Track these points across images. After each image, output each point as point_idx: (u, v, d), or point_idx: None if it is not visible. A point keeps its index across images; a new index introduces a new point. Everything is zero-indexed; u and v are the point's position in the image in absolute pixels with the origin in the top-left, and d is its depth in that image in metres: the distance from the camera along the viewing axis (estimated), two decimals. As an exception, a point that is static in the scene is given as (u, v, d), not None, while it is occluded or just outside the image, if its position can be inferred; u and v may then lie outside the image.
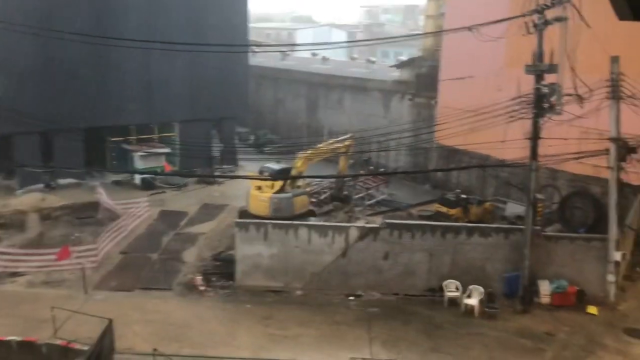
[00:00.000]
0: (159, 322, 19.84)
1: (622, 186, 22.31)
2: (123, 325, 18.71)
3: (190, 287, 22.74)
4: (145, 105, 37.05)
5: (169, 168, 36.72)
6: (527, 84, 20.67)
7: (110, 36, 28.31)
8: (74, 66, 34.05)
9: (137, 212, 29.56)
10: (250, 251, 22.59)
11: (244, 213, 26.70)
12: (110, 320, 16.04)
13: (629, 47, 22.62)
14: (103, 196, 30.49)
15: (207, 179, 35.92)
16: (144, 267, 24.59)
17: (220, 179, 36.09)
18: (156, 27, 36.00)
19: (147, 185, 34.75)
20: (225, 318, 20.48)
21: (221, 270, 23.99)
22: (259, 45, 55.27)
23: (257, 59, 50.96)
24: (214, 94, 39.38)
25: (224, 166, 39.70)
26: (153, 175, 34.90)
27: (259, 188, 26.14)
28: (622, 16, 5.97)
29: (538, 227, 22.66)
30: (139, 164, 35.77)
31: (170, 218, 30.38)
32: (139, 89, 36.71)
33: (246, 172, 35.50)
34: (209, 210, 31.45)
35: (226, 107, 40.31)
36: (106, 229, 26.44)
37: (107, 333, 15.22)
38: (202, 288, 22.61)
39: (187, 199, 33.40)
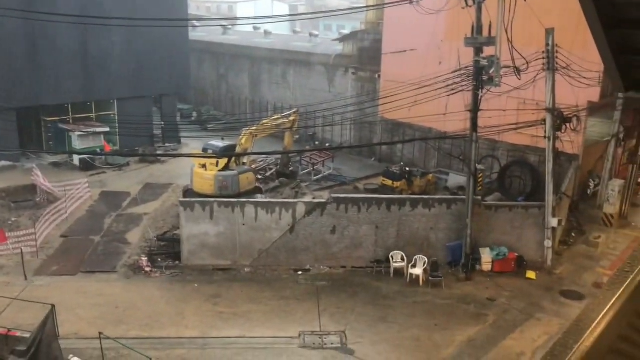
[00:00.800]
0: (104, 306, 19.49)
1: (558, 155, 23.08)
2: (67, 311, 18.29)
3: (136, 269, 22.40)
4: (81, 82, 35.85)
5: (108, 148, 35.75)
6: (467, 56, 21.02)
7: (43, 11, 27.08)
8: (5, 43, 32.56)
9: (77, 194, 28.73)
10: (196, 230, 22.40)
11: (188, 192, 26.41)
12: (53, 306, 15.63)
13: (563, 19, 23.26)
14: (40, 178, 29.46)
15: (149, 158, 35.11)
16: (87, 250, 24.01)
17: (163, 158, 35.35)
18: (92, 2, 34.69)
19: (86, 166, 33.76)
20: (172, 298, 20.30)
21: (167, 250, 23.74)
22: (199, 19, 54.04)
23: (198, 34, 49.95)
24: (153, 70, 38.46)
25: (167, 144, 38.98)
26: (92, 156, 33.90)
27: (204, 166, 25.85)
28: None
29: (479, 197, 23.28)
30: (77, 144, 34.71)
31: (112, 199, 29.68)
32: (75, 66, 35.45)
33: (190, 150, 34.93)
34: (152, 190, 30.87)
35: (167, 84, 39.49)
36: (45, 212, 25.63)
37: (49, 319, 14.82)
38: (147, 269, 22.31)
39: (129, 179, 32.66)
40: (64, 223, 26.33)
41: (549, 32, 21.44)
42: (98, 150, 34.85)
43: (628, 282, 1.34)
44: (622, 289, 1.32)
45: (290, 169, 31.29)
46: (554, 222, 22.31)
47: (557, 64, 21.51)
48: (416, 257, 22.16)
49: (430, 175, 30.23)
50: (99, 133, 35.63)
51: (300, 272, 22.35)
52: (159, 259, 23.11)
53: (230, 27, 53.05)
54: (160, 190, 30.73)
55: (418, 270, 21.70)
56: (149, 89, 38.61)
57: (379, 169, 32.94)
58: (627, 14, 7.08)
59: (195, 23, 49.01)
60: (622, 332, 1.53)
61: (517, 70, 19.88)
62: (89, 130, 35.38)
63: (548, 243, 22.42)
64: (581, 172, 27.51)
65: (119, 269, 22.44)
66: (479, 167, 25.16)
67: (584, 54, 21.54)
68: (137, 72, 37.93)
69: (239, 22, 53.65)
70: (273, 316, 19.18)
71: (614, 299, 1.28)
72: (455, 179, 29.52)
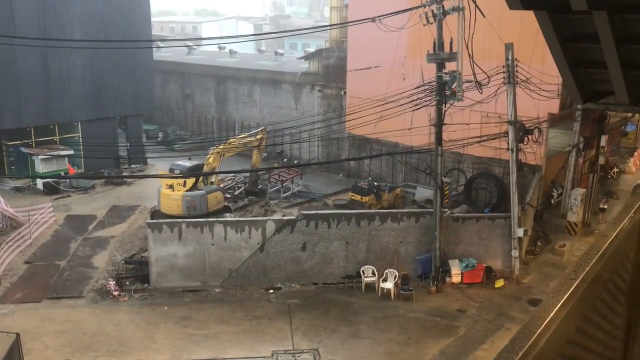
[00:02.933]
0: (71, 332, 18.99)
1: (521, 166, 23.45)
2: (32, 339, 17.76)
3: (103, 293, 21.90)
4: (44, 105, 35.19)
5: (73, 171, 35.07)
6: (430, 72, 21.31)
7: (1, 34, 26.59)
8: (-38, 66, 31.80)
9: (41, 218, 28.05)
10: (165, 252, 22.09)
11: (156, 213, 26.13)
12: (17, 335, 15.15)
13: (522, 34, 23.74)
14: (1, 204, 28.68)
15: (115, 180, 34.56)
16: (52, 276, 23.39)
17: (129, 179, 34.85)
18: (52, 24, 34.25)
19: (50, 190, 33.03)
20: (142, 322, 19.89)
21: (135, 273, 23.30)
22: (163, 39, 53.76)
23: (162, 54, 49.72)
24: (117, 91, 38.03)
25: (133, 166, 38.43)
26: (56, 179, 33.20)
27: (171, 187, 25.61)
28: (512, 5, 6.21)
29: (446, 210, 23.49)
30: (41, 167, 33.94)
31: (77, 223, 29.06)
32: (37, 89, 34.81)
33: (156, 171, 34.57)
34: (118, 212, 30.34)
35: (132, 105, 39.07)
36: (7, 238, 24.95)
37: (14, 348, 14.36)
38: (115, 293, 21.83)
39: (94, 202, 32.05)
40: (27, 249, 25.65)
41: (508, 46, 21.91)
42: (62, 173, 34.15)
43: (573, 287, 1.36)
44: (567, 295, 1.34)
45: (259, 186, 31.18)
46: (519, 232, 22.60)
47: (517, 77, 21.97)
48: (387, 271, 22.18)
49: (398, 189, 30.45)
50: (63, 156, 34.95)
51: (271, 291, 22.16)
52: (127, 282, 22.66)
53: (195, 47, 53.01)
54: (127, 213, 30.23)
55: (389, 284, 21.72)
56: (114, 110, 38.14)
57: (348, 184, 33.03)
58: (582, 29, 7.30)
59: (160, 44, 48.78)
60: (571, 337, 1.55)
61: (479, 85, 20.35)
62: (52, 153, 34.68)
63: (515, 253, 22.69)
64: (544, 182, 27.92)
65: (86, 293, 21.90)
66: (445, 180, 25.43)
67: (543, 68, 22.19)
68: (101, 93, 37.46)
69: (203, 42, 53.60)
70: (245, 336, 18.95)
71: (559, 305, 1.30)
72: (423, 193, 29.70)
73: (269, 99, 41.43)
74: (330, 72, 37.61)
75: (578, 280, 1.54)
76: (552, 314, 1.37)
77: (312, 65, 39.23)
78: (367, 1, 31.23)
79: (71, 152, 35.28)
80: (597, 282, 1.76)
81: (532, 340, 1.28)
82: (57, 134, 36.67)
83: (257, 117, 41.62)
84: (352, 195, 29.41)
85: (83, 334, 18.86)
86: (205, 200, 25.50)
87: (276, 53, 47.06)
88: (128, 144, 38.33)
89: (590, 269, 1.65)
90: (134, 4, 38.46)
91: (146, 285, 22.28)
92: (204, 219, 22.90)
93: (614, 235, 1.92)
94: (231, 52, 49.36)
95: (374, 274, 22.30)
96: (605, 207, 27.67)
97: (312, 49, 46.91)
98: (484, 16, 19.16)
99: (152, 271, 22.25)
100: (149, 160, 38.80)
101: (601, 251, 1.75)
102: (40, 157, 34.17)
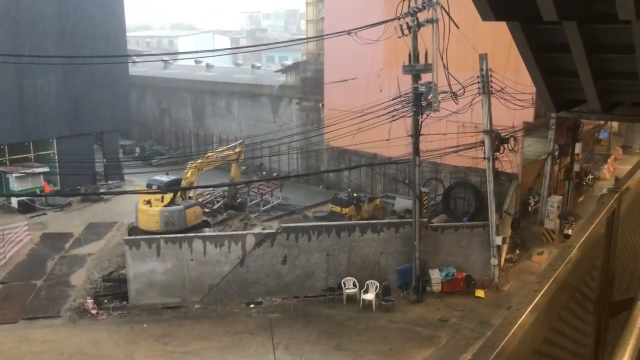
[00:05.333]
0: (48, 353, 18.65)
1: (498, 175, 23.70)
2: (8, 361, 17.39)
3: (81, 312, 21.55)
4: (18, 122, 34.71)
5: (48, 188, 34.56)
6: (406, 83, 21.53)
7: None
8: None
9: (16, 237, 27.56)
10: (143, 268, 21.89)
11: (133, 230, 25.91)
12: (-8, 357, 14.84)
13: (494, 44, 24.03)
14: (-25, 223, 28.16)
15: (92, 197, 34.13)
16: (28, 296, 22.95)
17: (106, 196, 34.47)
18: (26, 38, 33.90)
19: (25, 208, 32.46)
20: (121, 340, 19.61)
21: (113, 291, 22.99)
22: (139, 54, 53.49)
23: (139, 69, 49.50)
24: (93, 106, 37.69)
25: (109, 182, 38.03)
26: (32, 197, 32.69)
27: (148, 202, 25.46)
28: (485, 17, 6.29)
29: (425, 219, 23.61)
30: (15, 185, 33.42)
31: (54, 241, 28.60)
32: (11, 106, 34.33)
33: (133, 187, 34.21)
34: (96, 230, 29.95)
35: (108, 120, 38.72)
36: (-19, 258, 24.49)
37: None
38: (94, 312, 21.50)
39: (71, 220, 31.60)
40: (2, 269, 25.17)
41: (482, 57, 22.19)
42: (37, 191, 33.64)
43: (538, 297, 1.38)
44: (532, 306, 1.36)
45: (238, 200, 31.12)
46: (498, 240, 22.77)
47: (491, 87, 22.22)
48: (368, 282, 22.18)
49: (378, 200, 30.57)
50: (38, 173, 34.46)
51: (252, 305, 22.01)
52: (106, 301, 22.35)
53: (171, 61, 52.90)
54: (104, 230, 29.86)
55: (370, 296, 21.71)
56: (90, 126, 37.76)
57: (327, 196, 33.10)
58: (553, 39, 7.42)
59: (136, 58, 48.53)
60: (538, 348, 1.58)
61: (454, 95, 20.53)
62: (27, 171, 34.17)
63: (494, 261, 22.83)
64: (521, 190, 28.14)
65: (63, 313, 21.53)
66: (424, 190, 25.58)
67: (517, 77, 22.36)
68: (76, 109, 37.07)
69: (180, 56, 53.47)
70: (226, 353, 18.77)
71: (523, 316, 1.31)
72: (402, 203, 29.83)
73: (247, 112, 41.39)
74: (308, 84, 37.70)
75: (543, 291, 1.56)
76: (516, 326, 1.38)
77: (290, 78, 39.31)
78: (342, 14, 31.51)
79: (46, 169, 34.79)
80: (563, 291, 1.78)
81: (496, 353, 1.29)
82: (32, 151, 36.19)
83: (235, 131, 41.57)
84: (332, 207, 29.48)
85: (61, 354, 18.53)
86: (183, 216, 25.36)
87: (253, 66, 47.04)
88: (105, 160, 37.91)
89: (556, 279, 1.68)
90: (109, 19, 38.26)
91: (125, 302, 22.00)
92: (183, 235, 22.79)
93: (578, 244, 1.95)
94: (208, 66, 49.29)
95: (355, 285, 22.27)
96: (570, 232, 27.80)
97: (289, 62, 46.99)
98: (458, 27, 19.40)
99: (130, 288, 21.99)
100: (126, 176, 38.36)
101: (566, 260, 1.77)
102: (14, 175, 33.65)
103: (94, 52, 33.37)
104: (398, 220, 26.04)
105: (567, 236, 27.07)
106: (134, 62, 47.87)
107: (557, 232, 26.62)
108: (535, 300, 1.46)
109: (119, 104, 39.63)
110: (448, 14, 19.38)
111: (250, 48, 58.35)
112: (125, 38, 40.95)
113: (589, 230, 2.04)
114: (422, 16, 20.37)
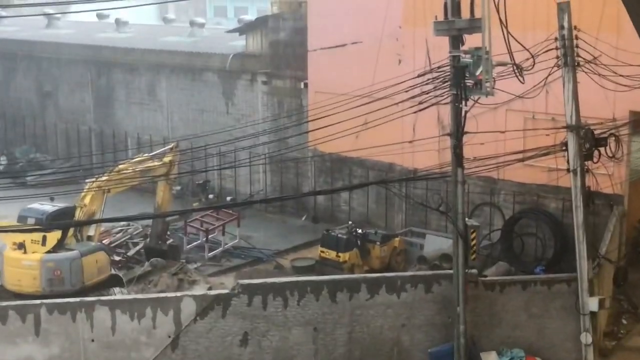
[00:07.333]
0: None
1: (591, 197, 23.22)
2: None
3: None
4: None
5: None
6: (440, 51, 21.03)
7: None
8: None
9: None
10: (14, 355, 21.59)
11: (-3, 291, 26.00)
12: None
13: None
14: None
15: None
16: None
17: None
18: None
19: None
20: None
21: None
22: (6, 5, 53.36)
23: (6, 28, 50.42)
24: None
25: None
26: None
27: (21, 246, 25.32)
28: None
29: (473, 270, 23.32)
30: None
31: None
32: None
33: (-4, 221, 33.78)
34: None
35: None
36: None
37: None
38: None
39: None
40: None
41: (563, 8, 21.55)
42: None
43: None
44: None
45: (169, 241, 31.27)
46: (592, 303, 22.17)
47: (578, 56, 21.64)
48: (382, 375, 22.00)
49: (397, 239, 30.53)
50: None
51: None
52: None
53: (58, 15, 53.03)
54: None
55: (386, 400, 21.16)
56: None
57: (315, 233, 33.28)
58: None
59: (1, 12, 48.36)
60: None
61: (519, 69, 20.10)
62: None
63: (586, 338, 22.16)
64: (628, 221, 28.12)
65: None
66: (471, 222, 25.07)
67: (619, 40, 23.31)
68: None
69: (72, 6, 53.24)
70: None
71: None
72: (436, 243, 29.73)
73: (183, 97, 41.81)
74: (281, 52, 37.90)
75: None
76: None
77: (253, 42, 39.52)
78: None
79: None
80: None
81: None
82: None
83: (164, 128, 42.15)
84: (323, 251, 29.43)
85: None
86: (78, 267, 25.27)
87: (193, 23, 47.57)
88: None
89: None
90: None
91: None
92: (78, 299, 22.52)
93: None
94: (119, 22, 49.90)
95: (361, 382, 22.12)
96: None
97: (250, 17, 46.88)
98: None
99: (-9, 387, 21.80)
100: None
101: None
102: None
103: None
104: (430, 271, 25.92)
105: None
106: None
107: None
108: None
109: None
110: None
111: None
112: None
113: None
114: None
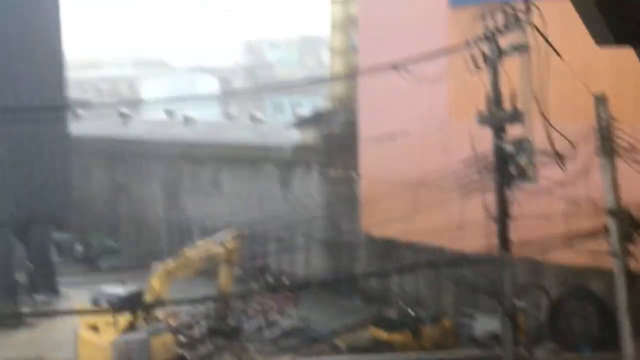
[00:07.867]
0: None
1: (634, 279, 22.99)
2: None
3: None
4: None
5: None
6: (485, 140, 21.09)
7: None
8: None
9: None
10: None
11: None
12: None
13: (618, 80, 24.16)
14: None
15: (9, 321, 34.12)
16: None
17: (31, 318, 34.40)
18: None
19: None
20: None
21: None
22: (85, 105, 54.62)
23: (84, 126, 50.14)
24: (13, 184, 38.10)
25: (36, 297, 38.09)
26: None
27: (94, 328, 25.67)
28: (601, 41, 6.26)
29: (523, 351, 23.46)
30: None
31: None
32: None
33: (72, 304, 34.20)
34: (13, 372, 29.87)
35: (35, 204, 39.05)
36: None
37: None
38: None
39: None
40: None
41: (600, 99, 22.02)
42: None
43: None
44: None
45: (231, 323, 31.09)
46: None
47: (615, 144, 22.04)
48: None
49: (447, 320, 30.51)
50: None
51: None
52: None
53: (131, 114, 53.83)
54: (25, 372, 29.76)
55: None
56: (7, 213, 38.09)
57: (366, 313, 33.05)
58: None
59: (80, 111, 49.57)
60: None
61: (559, 157, 20.18)
62: None
63: None
64: None
65: None
66: (518, 304, 25.06)
67: None
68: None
69: (144, 106, 54.44)
70: None
71: None
72: (486, 324, 29.46)
73: (244, 186, 42.10)
74: (335, 144, 38.27)
75: None
76: None
77: (308, 134, 39.93)
78: (384, 41, 32.21)
79: None
80: None
81: None
82: None
83: (226, 215, 41.72)
84: (375, 332, 29.37)
85: None
86: (147, 348, 25.48)
87: (253, 118, 48.06)
88: (31, 265, 38.05)
89: None
90: (40, 53, 39.24)
91: None
92: None
93: None
94: (186, 119, 50.50)
95: None
96: None
97: (306, 112, 47.53)
98: (560, 56, 19.43)
99: None
100: (61, 288, 38.48)
101: None
102: None
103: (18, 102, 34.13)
104: (480, 353, 26.27)
105: None
106: (78, 116, 48.81)
107: None
108: None
109: (54, 179, 40.19)
110: (545, 37, 19.43)
111: (248, 92, 59.35)
112: (63, 81, 41.95)
113: None
114: (505, 42, 20.47)
